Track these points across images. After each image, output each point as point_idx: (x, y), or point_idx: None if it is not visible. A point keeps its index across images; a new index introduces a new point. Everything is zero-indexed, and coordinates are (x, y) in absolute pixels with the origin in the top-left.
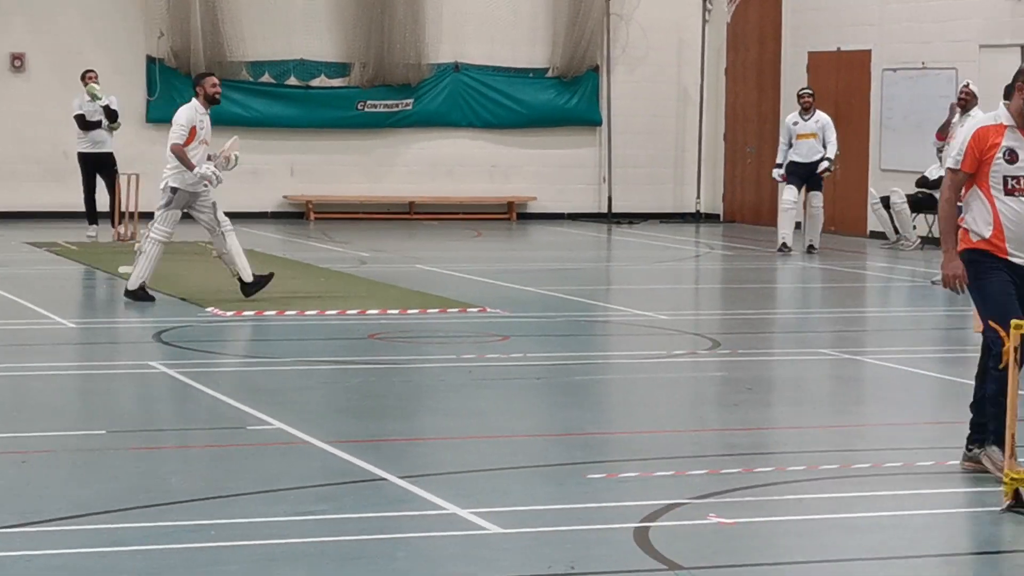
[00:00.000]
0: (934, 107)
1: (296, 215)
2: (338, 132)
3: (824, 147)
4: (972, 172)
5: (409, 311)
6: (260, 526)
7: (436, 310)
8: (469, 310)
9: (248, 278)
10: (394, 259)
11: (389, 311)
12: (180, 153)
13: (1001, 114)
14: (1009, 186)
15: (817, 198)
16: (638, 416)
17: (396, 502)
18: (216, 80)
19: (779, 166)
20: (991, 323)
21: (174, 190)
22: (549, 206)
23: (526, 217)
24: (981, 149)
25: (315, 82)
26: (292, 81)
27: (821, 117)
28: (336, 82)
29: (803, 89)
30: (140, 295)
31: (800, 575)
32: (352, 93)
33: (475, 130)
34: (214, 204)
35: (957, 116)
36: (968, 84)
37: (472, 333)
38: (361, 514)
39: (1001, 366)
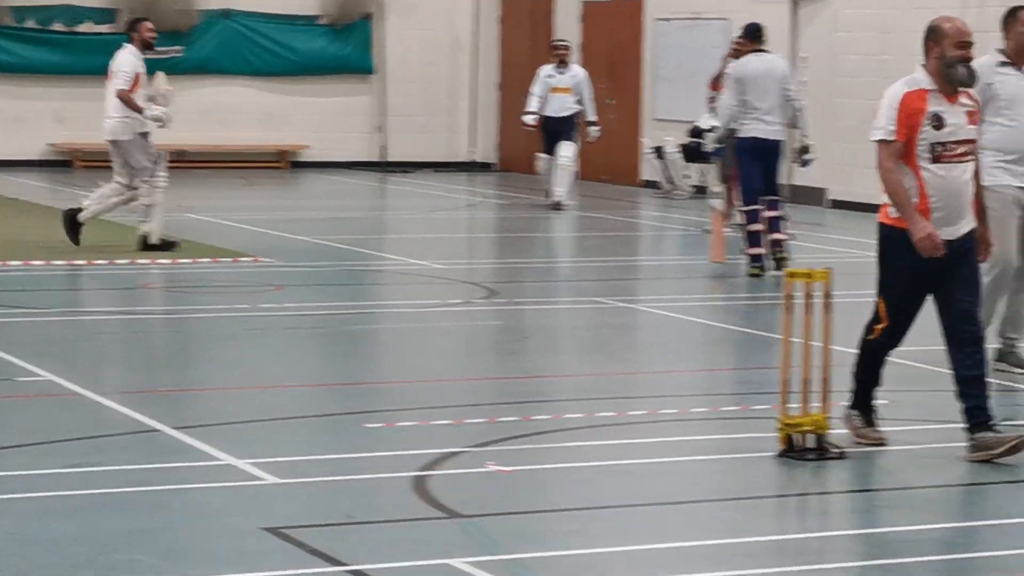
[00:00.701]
0: (707, 57)
1: (63, 163)
2: (106, 79)
3: (580, 103)
4: (905, 140)
5: (180, 261)
6: (32, 479)
7: (208, 260)
8: (241, 260)
9: (83, 219)
10: (164, 208)
11: (160, 260)
12: (127, 98)
13: (920, 78)
14: (936, 153)
15: (567, 148)
16: (415, 365)
17: (170, 453)
18: (151, 25)
19: (531, 113)
20: (880, 299)
21: (144, 135)
22: (323, 155)
23: (300, 166)
24: (910, 115)
25: (81, 28)
26: (57, 27)
27: (578, 72)
28: (104, 28)
29: (557, 40)
30: (164, 246)
31: (579, 522)
32: (120, 39)
33: (247, 78)
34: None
35: (729, 66)
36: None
37: (245, 283)
38: (134, 465)
39: (871, 337)
